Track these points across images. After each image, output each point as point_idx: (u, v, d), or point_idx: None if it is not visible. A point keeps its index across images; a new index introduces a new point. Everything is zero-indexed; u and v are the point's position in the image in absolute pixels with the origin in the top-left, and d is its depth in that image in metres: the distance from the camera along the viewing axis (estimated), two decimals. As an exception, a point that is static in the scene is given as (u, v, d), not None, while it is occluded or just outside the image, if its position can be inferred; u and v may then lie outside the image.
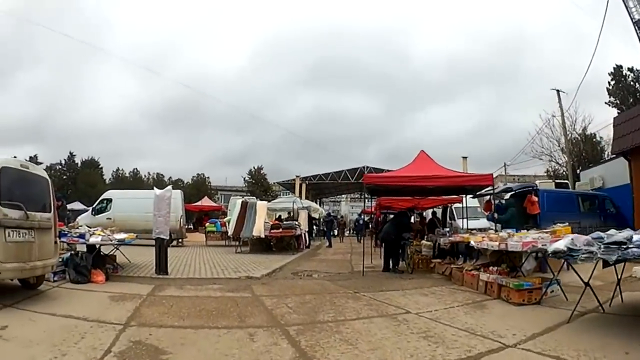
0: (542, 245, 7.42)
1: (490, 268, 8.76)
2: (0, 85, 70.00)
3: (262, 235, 17.38)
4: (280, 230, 17.83)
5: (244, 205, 18.45)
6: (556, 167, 35.42)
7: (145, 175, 63.60)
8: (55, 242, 8.00)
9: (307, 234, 21.46)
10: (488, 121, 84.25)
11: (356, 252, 19.33)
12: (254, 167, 65.76)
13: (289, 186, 43.22)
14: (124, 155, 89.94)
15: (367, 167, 36.80)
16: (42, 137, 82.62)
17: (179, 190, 24.45)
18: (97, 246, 10.19)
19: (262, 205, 18.70)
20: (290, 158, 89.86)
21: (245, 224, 17.85)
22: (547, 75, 66.44)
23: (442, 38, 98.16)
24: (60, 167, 58.51)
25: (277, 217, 21.14)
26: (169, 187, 11.42)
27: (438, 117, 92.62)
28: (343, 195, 58.93)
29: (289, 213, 21.03)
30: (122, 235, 11.27)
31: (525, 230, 9.27)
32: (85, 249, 10.20)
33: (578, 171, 27.25)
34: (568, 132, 31.30)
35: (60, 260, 9.38)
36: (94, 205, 23.02)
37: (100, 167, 60.44)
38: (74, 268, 9.34)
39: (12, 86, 74.02)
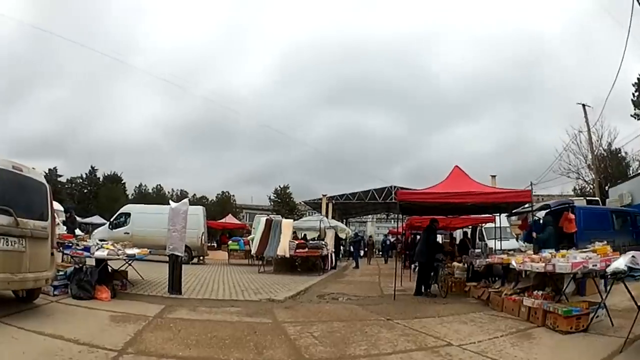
0: (593, 265, 6.99)
1: (535, 292, 7.94)
2: (25, 99, 72.23)
3: (287, 255, 16.65)
4: (306, 249, 16.99)
5: (269, 223, 17.77)
6: (583, 185, 34.38)
7: (168, 192, 63.48)
8: (52, 254, 7.30)
9: (333, 255, 20.73)
10: (511, 139, 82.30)
11: (384, 273, 18.87)
12: (279, 186, 65.34)
13: (315, 205, 42.64)
14: (147, 172, 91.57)
15: (395, 186, 35.74)
16: (65, 151, 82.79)
17: (201, 207, 24.10)
18: (104, 261, 9.43)
19: (287, 224, 17.98)
20: (315, 177, 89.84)
21: (269, 242, 17.14)
22: (567, 91, 65.05)
23: (463, 54, 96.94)
24: (81, 180, 59.17)
25: (302, 236, 20.43)
26: (186, 200, 10.63)
27: (462, 135, 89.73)
28: (369, 216, 58.22)
29: (317, 233, 20.27)
30: (133, 250, 10.60)
31: (565, 250, 8.47)
32: (94, 264, 9.49)
33: (606, 188, 25.85)
34: (595, 148, 30.17)
35: (63, 274, 8.86)
36: (111, 219, 22.51)
37: (122, 182, 60.86)
38: (76, 283, 8.62)
39: (37, 100, 76.17)
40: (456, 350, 5.75)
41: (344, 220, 41.93)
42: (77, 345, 5.28)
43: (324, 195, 39.88)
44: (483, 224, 17.81)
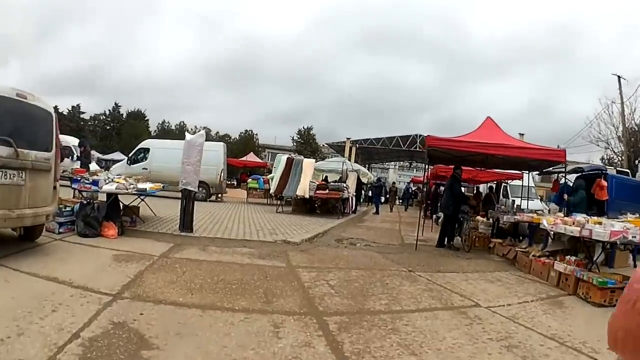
0: (633, 237, 6.48)
1: (567, 258, 7.38)
2: (52, 36, 72.34)
3: (307, 196, 16.31)
4: (327, 191, 16.53)
5: (290, 162, 17.37)
6: (612, 156, 33.02)
7: (191, 129, 63.54)
8: (55, 188, 6.87)
9: (354, 199, 20.44)
10: (541, 102, 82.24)
11: (404, 221, 18.57)
12: (303, 127, 65.56)
13: (338, 148, 42.37)
14: (171, 109, 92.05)
15: (419, 134, 35.75)
16: (92, 89, 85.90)
17: (221, 143, 23.73)
18: (112, 196, 9.09)
19: (309, 163, 17.48)
20: (341, 122, 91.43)
21: (289, 182, 16.81)
22: (603, 61, 65.84)
23: (501, 14, 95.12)
24: (104, 117, 59.51)
25: (323, 178, 19.90)
26: (202, 132, 10.05)
27: (491, 92, 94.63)
28: (392, 163, 58.04)
29: (339, 176, 19.71)
30: (146, 185, 10.22)
31: (596, 217, 8.05)
32: (105, 199, 9.23)
33: (636, 162, 26.06)
34: (627, 121, 29.28)
35: (70, 210, 8.57)
36: (130, 155, 22.31)
37: (146, 119, 61.10)
38: (82, 219, 8.30)
39: (64, 37, 77.31)
40: (485, 313, 5.25)
41: (367, 166, 41.64)
42: (70, 288, 4.92)
43: (347, 139, 39.52)
44: (509, 181, 17.24)
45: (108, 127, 59.12)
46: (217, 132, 60.82)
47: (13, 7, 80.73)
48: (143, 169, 20.30)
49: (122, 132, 55.10)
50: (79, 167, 12.06)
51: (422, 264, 8.21)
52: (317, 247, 9.35)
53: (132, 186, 9.46)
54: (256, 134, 67.75)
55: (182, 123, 64.88)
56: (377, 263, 8.09)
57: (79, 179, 9.14)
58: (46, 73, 78.43)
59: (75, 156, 18.19)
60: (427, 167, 12.74)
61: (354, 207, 20.24)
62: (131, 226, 9.41)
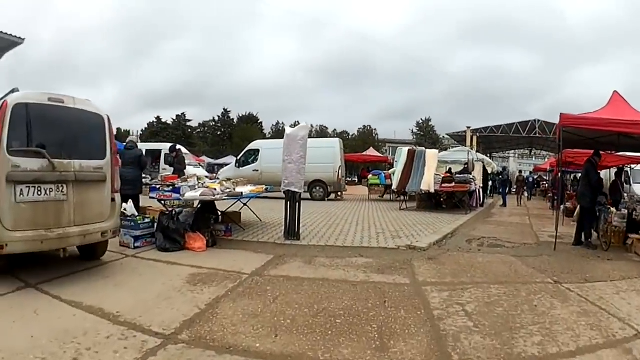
0: None
1: None
2: (158, 50, 79.21)
3: (432, 190, 15.21)
4: (453, 184, 15.43)
5: (412, 154, 16.22)
6: None
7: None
8: (114, 200, 6.07)
9: (481, 191, 19.53)
10: None
11: (533, 214, 17.28)
12: (421, 119, 65.48)
13: (459, 139, 41.09)
14: (286, 112, 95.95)
15: (538, 120, 35.14)
16: (200, 99, 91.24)
17: (337, 139, 23.02)
18: (198, 203, 8.38)
19: (432, 155, 16.18)
20: (456, 113, 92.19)
21: (412, 176, 15.73)
22: None
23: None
24: (213, 123, 62.34)
25: (447, 170, 18.50)
26: (304, 124, 8.75)
27: (595, 75, 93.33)
28: (511, 151, 55.62)
29: (462, 167, 18.30)
30: (245, 188, 9.39)
31: None
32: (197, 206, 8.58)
33: None
34: None
35: (148, 221, 7.86)
36: (238, 157, 22.07)
37: (259, 122, 62.95)
38: (162, 231, 7.52)
39: (170, 51, 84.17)
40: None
41: (488, 155, 39.47)
42: (112, 325, 3.86)
43: (468, 128, 38.09)
44: (633, 165, 15.79)
45: (219, 133, 61.81)
46: (335, 130, 60.83)
47: (112, 28, 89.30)
48: (254, 170, 20.06)
49: (234, 136, 57.09)
50: (170, 173, 11.45)
51: (566, 271, 6.73)
52: (447, 253, 7.73)
53: (227, 190, 8.49)
54: (375, 129, 67.42)
55: (296, 122, 65.16)
56: (518, 272, 6.52)
57: (157, 187, 8.36)
58: (151, 89, 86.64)
59: (168, 162, 18.17)
60: (560, 150, 10.39)
61: (481, 200, 19.20)
62: (226, 235, 8.42)
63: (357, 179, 31.17)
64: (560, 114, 8.56)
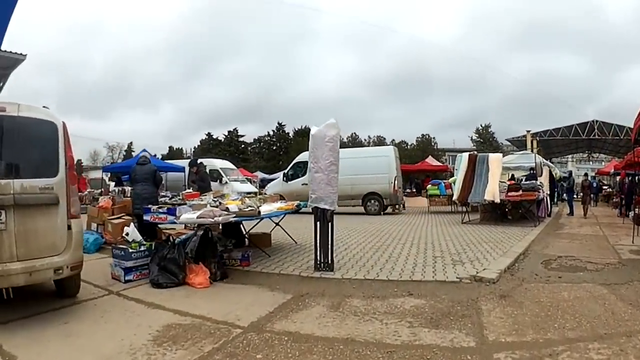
0: None
1: None
2: (215, 72, 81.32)
3: (497, 200, 13.13)
4: (520, 192, 13.50)
5: (473, 159, 14.10)
6: None
7: (365, 139, 62.98)
8: (70, 227, 4.66)
9: (548, 198, 17.45)
10: None
11: (602, 222, 15.32)
12: (480, 125, 63.21)
13: (519, 144, 38.76)
14: (344, 125, 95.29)
15: (596, 120, 33.72)
16: (256, 115, 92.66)
17: (391, 146, 21.34)
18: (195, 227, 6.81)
19: (495, 160, 14.02)
20: (514, 119, 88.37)
21: (474, 184, 13.66)
22: None
23: None
24: (268, 138, 61.82)
25: (510, 177, 16.67)
26: (332, 120, 6.73)
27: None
28: (569, 155, 52.92)
29: (530, 170, 16.26)
30: (273, 205, 8.01)
31: None
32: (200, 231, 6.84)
33: None
34: None
35: (143, 250, 6.38)
36: (285, 171, 20.53)
37: (315, 135, 61.91)
38: (157, 263, 6.01)
39: (229, 72, 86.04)
40: None
41: (548, 160, 36.88)
42: None
43: (528, 131, 36.22)
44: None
45: (274, 148, 61.07)
46: (393, 140, 58.69)
47: (166, 50, 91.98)
48: (302, 184, 18.34)
49: (290, 150, 56.18)
50: (191, 191, 10.04)
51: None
52: (522, 284, 5.74)
53: (249, 209, 6.81)
54: (434, 137, 65.27)
55: (353, 134, 64.55)
56: (615, 315, 4.49)
57: (151, 208, 6.82)
58: (208, 108, 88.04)
59: (190, 180, 16.82)
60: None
61: (549, 208, 17.19)
62: (243, 265, 6.70)
63: (416, 190, 28.98)
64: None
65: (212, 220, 6.02)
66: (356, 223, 13.55)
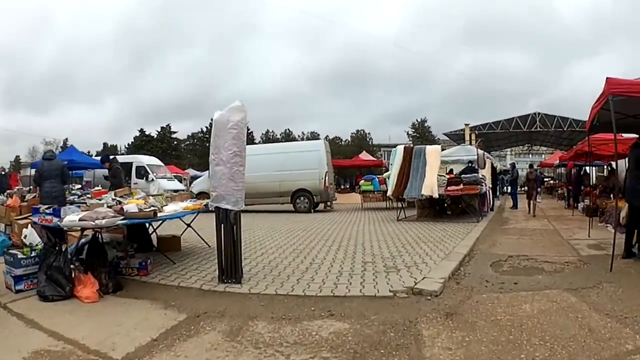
0: None
1: None
2: (157, 65, 77.82)
3: (436, 195, 12.60)
4: (461, 186, 12.82)
5: (409, 152, 13.36)
6: None
7: (298, 135, 62.27)
8: None
9: (490, 192, 17.10)
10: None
11: (549, 215, 15.26)
12: (417, 120, 63.91)
13: (456, 137, 39.27)
14: (279, 121, 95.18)
15: (538, 113, 34.61)
16: (197, 112, 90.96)
17: (321, 140, 21.02)
18: (97, 232, 5.70)
19: (433, 152, 13.32)
20: (452, 115, 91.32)
21: (410, 179, 12.92)
22: None
23: None
24: (202, 134, 60.43)
25: (448, 171, 16.12)
26: (237, 103, 5.56)
27: (587, 70, 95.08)
28: (508, 149, 55.05)
29: (469, 163, 15.56)
30: (181, 205, 6.94)
31: None
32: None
33: None
34: None
35: (35, 256, 5.39)
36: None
37: (249, 131, 60.82)
38: (45, 272, 5.03)
39: (167, 65, 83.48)
40: None
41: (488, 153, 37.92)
42: None
43: (466, 125, 37.35)
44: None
45: (208, 144, 59.68)
46: (327, 136, 58.27)
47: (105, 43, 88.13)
48: None
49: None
50: (100, 188, 8.96)
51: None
52: (471, 297, 4.84)
53: (150, 209, 5.79)
54: (369, 133, 65.58)
55: (287, 130, 63.84)
56: (594, 333, 3.63)
57: (40, 208, 5.76)
58: (148, 104, 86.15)
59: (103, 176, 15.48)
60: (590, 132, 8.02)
61: (491, 203, 16.93)
62: (140, 274, 5.72)
63: (349, 186, 28.49)
64: (607, 78, 6.02)
65: (94, 223, 4.93)
66: (282, 222, 12.72)
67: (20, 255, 5.32)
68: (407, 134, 63.04)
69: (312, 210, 17.06)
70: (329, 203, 18.34)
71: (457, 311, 4.28)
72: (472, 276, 5.80)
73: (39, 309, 4.60)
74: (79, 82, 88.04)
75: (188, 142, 61.37)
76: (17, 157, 58.71)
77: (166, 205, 6.69)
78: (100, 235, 5.65)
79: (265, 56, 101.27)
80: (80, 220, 5.01)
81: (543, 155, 49.84)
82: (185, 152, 59.60)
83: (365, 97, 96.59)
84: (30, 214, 7.43)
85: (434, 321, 4.02)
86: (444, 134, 46.02)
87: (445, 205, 14.07)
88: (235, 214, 5.33)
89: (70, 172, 19.85)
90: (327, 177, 17.31)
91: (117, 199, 6.42)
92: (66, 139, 58.57)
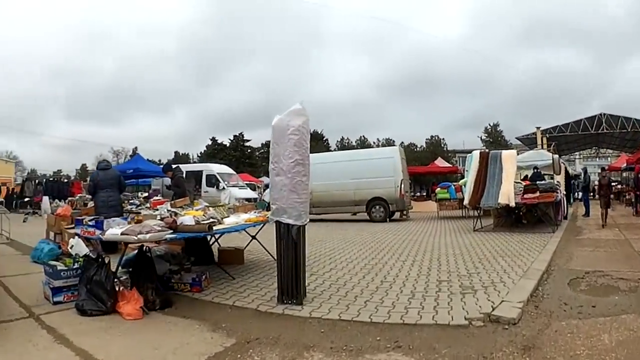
0: None
1: None
2: (226, 76, 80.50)
3: (512, 204, 11.64)
4: (537, 194, 11.83)
5: (484, 158, 12.41)
6: None
7: (373, 142, 61.62)
8: None
9: (565, 199, 15.96)
10: None
11: (619, 222, 13.99)
12: (489, 124, 62.24)
13: (529, 142, 37.41)
14: (353, 129, 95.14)
15: (604, 114, 32.76)
16: (268, 121, 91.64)
17: (396, 147, 19.79)
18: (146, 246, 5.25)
19: (509, 157, 12.29)
20: (522, 118, 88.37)
21: (486, 187, 12.01)
22: None
23: None
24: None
25: (523, 177, 15.02)
26: (298, 106, 4.81)
27: None
28: (576, 153, 51.40)
29: (534, 169, 14.72)
30: (242, 217, 6.43)
31: None
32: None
33: None
34: None
35: (76, 267, 5.06)
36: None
37: (324, 139, 60.75)
38: (85, 284, 4.70)
39: (238, 78, 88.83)
40: None
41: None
42: None
43: (537, 128, 35.41)
44: None
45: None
46: (402, 142, 57.27)
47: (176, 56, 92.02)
48: None
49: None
50: (160, 198, 8.69)
51: None
52: (550, 325, 4.04)
53: (209, 221, 5.40)
54: (443, 139, 63.88)
55: (362, 137, 63.41)
56: None
57: (84, 220, 5.54)
58: (220, 114, 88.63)
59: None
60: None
61: (565, 211, 15.74)
62: (192, 290, 5.22)
63: (426, 194, 27.32)
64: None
65: (136, 237, 4.47)
66: (356, 233, 12.03)
67: (60, 267, 5.08)
68: (481, 139, 61.40)
69: (388, 220, 16.15)
70: (404, 212, 17.29)
71: (535, 344, 3.52)
72: (551, 298, 4.99)
73: (74, 324, 4.26)
74: (150, 93, 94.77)
75: (262, 150, 62.49)
76: (84, 165, 61.76)
77: (227, 216, 6.24)
78: (147, 249, 5.21)
79: (334, 64, 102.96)
80: (122, 234, 4.57)
81: (609, 159, 46.91)
82: (260, 160, 60.52)
83: (435, 103, 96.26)
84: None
85: (510, 357, 3.28)
86: (516, 138, 44.33)
87: (521, 213, 12.96)
88: (298, 229, 4.69)
89: (137, 180, 20.56)
90: (402, 185, 16.32)
91: (173, 210, 6.03)
92: (135, 147, 61.53)
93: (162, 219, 5.28)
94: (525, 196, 11.74)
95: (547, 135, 34.46)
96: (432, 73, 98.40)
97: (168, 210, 5.95)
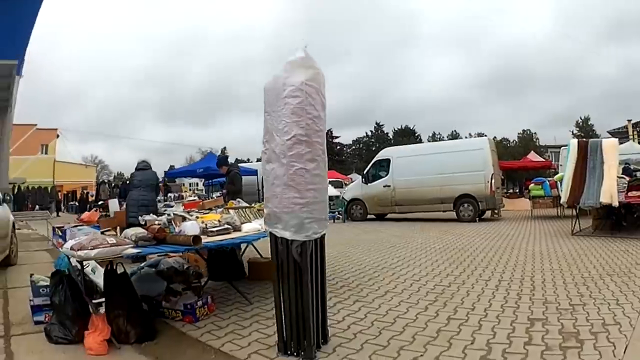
0: None
1: None
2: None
3: (615, 203, 9.40)
4: None
5: (583, 148, 10.13)
6: None
7: (465, 136, 58.39)
8: None
9: None
10: None
11: None
12: (580, 118, 57.46)
13: (619, 135, 33.41)
14: (445, 125, 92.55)
15: None
16: (358, 119, 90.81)
17: (485, 138, 16.99)
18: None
19: (611, 147, 10.03)
20: (607, 111, 77.29)
21: (586, 181, 9.85)
22: None
23: None
24: (367, 138, 59.48)
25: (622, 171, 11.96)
26: (300, 53, 2.93)
27: None
28: None
29: (625, 163, 11.80)
30: (248, 226, 4.83)
31: None
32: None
33: None
34: None
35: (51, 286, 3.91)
36: (365, 171, 17.19)
37: (416, 134, 58.82)
38: (56, 308, 3.76)
39: (337, 74, 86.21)
40: None
41: None
42: None
43: (629, 121, 31.41)
44: None
45: (374, 148, 58.89)
46: (495, 137, 53.92)
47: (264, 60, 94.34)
48: (385, 186, 15.42)
49: (390, 149, 53.82)
50: (195, 198, 7.70)
51: None
52: None
53: (215, 229, 4.23)
54: (535, 133, 59.82)
55: (454, 132, 60.66)
56: None
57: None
58: None
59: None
60: None
61: None
62: (184, 319, 3.86)
63: (519, 190, 24.55)
64: None
65: (76, 254, 3.12)
66: (438, 235, 10.28)
67: (41, 282, 4.05)
68: (572, 133, 56.46)
69: (477, 219, 14.04)
70: (496, 210, 15.09)
71: None
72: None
73: (35, 352, 3.41)
74: (239, 95, 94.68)
75: (353, 147, 60.96)
76: (172, 166, 64.09)
77: (245, 222, 4.76)
78: (116, 266, 3.82)
79: (425, 63, 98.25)
80: (70, 248, 3.25)
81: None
82: (351, 157, 59.18)
83: (525, 99, 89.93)
84: (108, 228, 6.07)
85: None
86: (607, 132, 40.21)
87: (621, 213, 10.63)
88: (302, 246, 2.98)
89: (210, 180, 19.82)
90: (493, 180, 14.03)
91: (181, 214, 4.67)
92: (224, 147, 62.42)
93: (158, 224, 3.96)
94: (629, 194, 9.65)
95: (638, 129, 30.92)
96: (520, 69, 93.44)
97: (174, 214, 4.60)
